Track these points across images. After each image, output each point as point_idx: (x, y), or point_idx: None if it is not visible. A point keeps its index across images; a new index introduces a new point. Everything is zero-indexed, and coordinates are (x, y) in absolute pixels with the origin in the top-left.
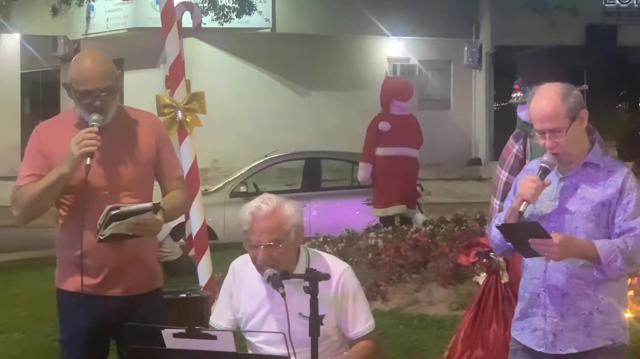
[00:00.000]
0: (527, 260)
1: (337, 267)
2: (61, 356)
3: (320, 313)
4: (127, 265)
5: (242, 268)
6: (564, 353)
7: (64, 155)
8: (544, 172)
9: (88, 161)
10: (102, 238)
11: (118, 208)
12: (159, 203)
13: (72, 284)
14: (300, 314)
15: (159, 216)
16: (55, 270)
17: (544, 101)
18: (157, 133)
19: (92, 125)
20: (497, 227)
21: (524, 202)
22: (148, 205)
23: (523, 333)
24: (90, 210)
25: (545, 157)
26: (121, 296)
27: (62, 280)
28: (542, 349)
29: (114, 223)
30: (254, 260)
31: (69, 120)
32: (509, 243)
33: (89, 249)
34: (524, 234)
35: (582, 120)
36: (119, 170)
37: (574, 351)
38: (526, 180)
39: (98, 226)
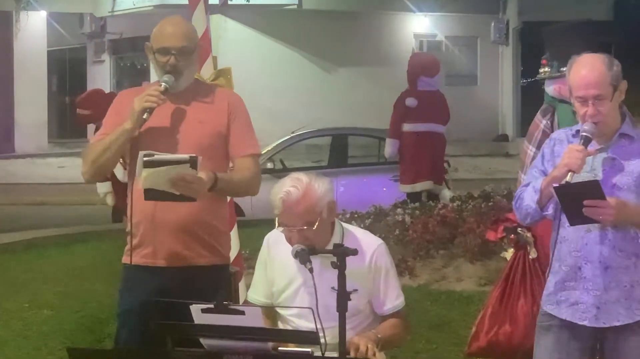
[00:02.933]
0: (564, 233)
1: (371, 242)
2: (115, 332)
3: (353, 287)
4: (179, 235)
5: (276, 241)
6: (607, 326)
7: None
8: (586, 140)
9: (145, 116)
10: (141, 187)
11: (152, 155)
12: (195, 156)
13: (128, 257)
14: (333, 288)
15: (202, 174)
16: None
17: (588, 68)
18: (232, 106)
19: (160, 85)
20: (554, 188)
21: (570, 172)
22: (184, 156)
23: (560, 307)
24: None
25: (585, 126)
26: (175, 268)
27: (125, 254)
28: (585, 323)
29: (145, 169)
30: (289, 241)
31: (147, 87)
32: (545, 213)
33: (141, 218)
34: (581, 195)
35: (621, 92)
36: (183, 138)
37: (617, 323)
38: (572, 150)
39: (137, 176)
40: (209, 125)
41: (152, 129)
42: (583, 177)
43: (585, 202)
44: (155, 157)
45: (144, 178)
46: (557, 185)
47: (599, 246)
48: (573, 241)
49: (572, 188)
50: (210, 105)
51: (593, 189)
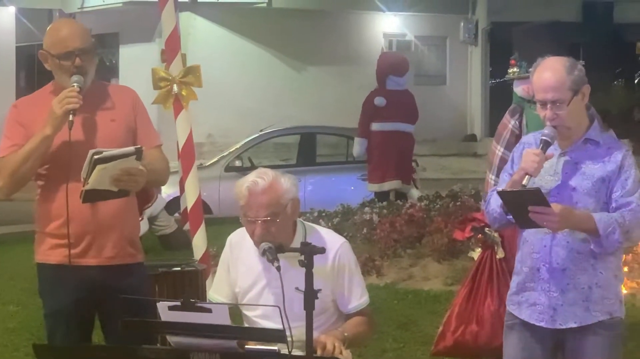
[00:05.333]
0: (526, 234)
1: (334, 241)
2: (46, 332)
3: (317, 287)
4: (108, 233)
5: (239, 242)
6: (564, 327)
7: (44, 122)
8: (545, 144)
9: (71, 117)
10: (87, 187)
11: (100, 152)
12: (141, 147)
13: (54, 256)
14: (296, 288)
15: (142, 167)
16: (34, 245)
17: (549, 72)
18: (133, 101)
19: (73, 86)
20: (498, 193)
21: (527, 176)
22: (130, 149)
23: (520, 308)
24: (72, 178)
25: (545, 130)
26: (103, 266)
27: (43, 254)
28: (542, 324)
29: (98, 167)
30: (251, 235)
31: (46, 92)
32: (509, 217)
33: (69, 218)
34: (524, 202)
35: (583, 95)
36: (99, 137)
37: (574, 325)
38: (529, 154)
39: (82, 179)
40: (120, 122)
41: (67, 133)
42: (547, 180)
43: (530, 208)
44: (104, 153)
45: (95, 176)
46: (500, 190)
47: (557, 249)
48: (533, 243)
49: (515, 195)
50: (116, 103)
51: (535, 197)
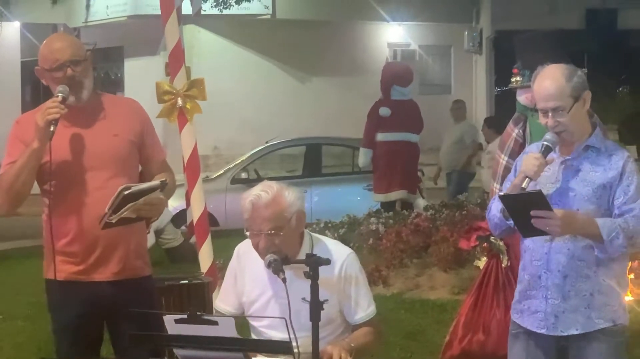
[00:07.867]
0: (527, 242)
1: (341, 252)
2: (54, 347)
3: (323, 297)
4: (116, 248)
5: (247, 252)
6: (565, 334)
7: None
8: (546, 149)
9: (52, 128)
10: (113, 222)
11: (129, 188)
12: (165, 180)
13: (59, 273)
14: (303, 298)
15: (162, 195)
16: (44, 261)
17: (548, 80)
18: (141, 117)
19: (57, 96)
20: (499, 197)
21: (526, 179)
22: (157, 183)
23: (523, 316)
24: (77, 194)
25: (547, 136)
26: (109, 282)
27: (50, 270)
28: (543, 331)
29: (129, 204)
30: (255, 248)
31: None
32: (509, 222)
33: (77, 235)
34: (526, 206)
35: (584, 102)
36: (102, 153)
37: (575, 332)
38: (529, 157)
39: (107, 211)
40: (124, 136)
41: (71, 148)
42: (548, 187)
43: (532, 213)
44: (133, 189)
45: (123, 211)
46: (502, 194)
47: (559, 256)
48: (534, 251)
49: (517, 198)
50: (120, 116)
51: (538, 199)
